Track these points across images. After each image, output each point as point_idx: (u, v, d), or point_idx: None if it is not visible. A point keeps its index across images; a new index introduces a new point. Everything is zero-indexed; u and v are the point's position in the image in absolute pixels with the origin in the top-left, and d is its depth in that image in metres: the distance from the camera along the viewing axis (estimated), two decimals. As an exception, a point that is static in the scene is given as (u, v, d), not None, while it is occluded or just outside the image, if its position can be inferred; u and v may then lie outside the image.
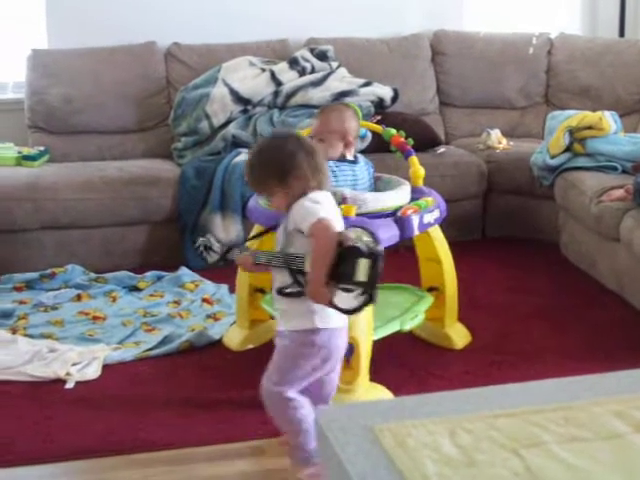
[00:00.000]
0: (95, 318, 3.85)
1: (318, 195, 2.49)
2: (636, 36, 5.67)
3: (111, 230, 4.51)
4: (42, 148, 4.86)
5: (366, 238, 2.39)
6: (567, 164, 4.51)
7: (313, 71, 5.09)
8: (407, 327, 3.28)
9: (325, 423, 1.30)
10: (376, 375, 3.10)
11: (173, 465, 2.77)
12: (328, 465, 1.27)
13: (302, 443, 2.58)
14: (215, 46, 5.24)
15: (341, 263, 2.37)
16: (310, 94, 4.96)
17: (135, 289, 4.21)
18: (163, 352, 3.51)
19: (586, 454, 1.22)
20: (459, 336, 3.57)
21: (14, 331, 3.69)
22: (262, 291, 3.44)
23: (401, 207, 3.17)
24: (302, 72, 5.06)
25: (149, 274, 4.28)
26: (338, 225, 2.47)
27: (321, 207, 2.44)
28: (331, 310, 2.45)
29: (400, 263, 3.71)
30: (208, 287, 4.15)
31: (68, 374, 3.29)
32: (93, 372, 3.33)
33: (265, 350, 2.90)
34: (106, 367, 3.37)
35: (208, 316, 3.86)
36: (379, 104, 4.96)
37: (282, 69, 5.04)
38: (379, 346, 3.13)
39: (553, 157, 4.54)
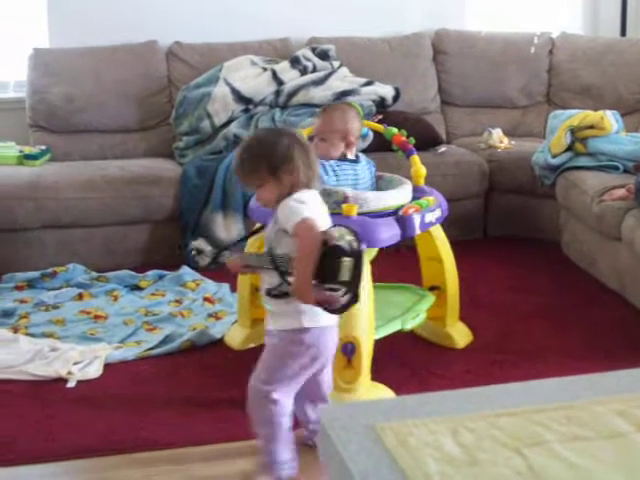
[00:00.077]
0: (96, 317, 3.86)
1: (303, 195, 2.47)
2: (637, 35, 5.67)
3: (112, 229, 4.52)
4: (43, 147, 4.86)
5: (349, 237, 2.38)
6: (568, 163, 4.52)
7: (315, 70, 5.09)
8: (408, 326, 3.28)
9: (327, 422, 1.30)
10: (377, 374, 3.10)
11: (174, 464, 2.77)
12: (330, 463, 1.27)
13: (272, 450, 2.58)
14: (217, 45, 5.24)
15: (325, 263, 2.37)
16: (312, 93, 4.96)
17: (136, 288, 4.21)
18: (164, 351, 3.51)
19: (588, 453, 1.22)
20: (460, 335, 3.57)
21: (15, 330, 3.69)
22: (263, 290, 3.44)
23: (403, 206, 3.16)
24: (303, 71, 5.06)
25: (150, 273, 4.28)
26: (323, 224, 2.45)
27: (306, 207, 2.42)
28: (319, 309, 2.44)
29: (401, 262, 3.71)
30: (209, 286, 4.15)
31: (69, 373, 3.29)
32: (94, 371, 3.33)
33: (266, 349, 2.90)
34: (107, 366, 3.37)
35: (209, 315, 3.87)
36: (380, 103, 4.96)
37: (284, 68, 5.04)
38: (380, 345, 3.13)
39: (555, 156, 4.54)
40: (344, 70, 5.16)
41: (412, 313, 3.32)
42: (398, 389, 3.07)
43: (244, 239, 3.01)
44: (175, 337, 3.60)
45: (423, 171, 3.46)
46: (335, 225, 2.48)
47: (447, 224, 3.49)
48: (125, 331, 3.71)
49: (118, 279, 4.24)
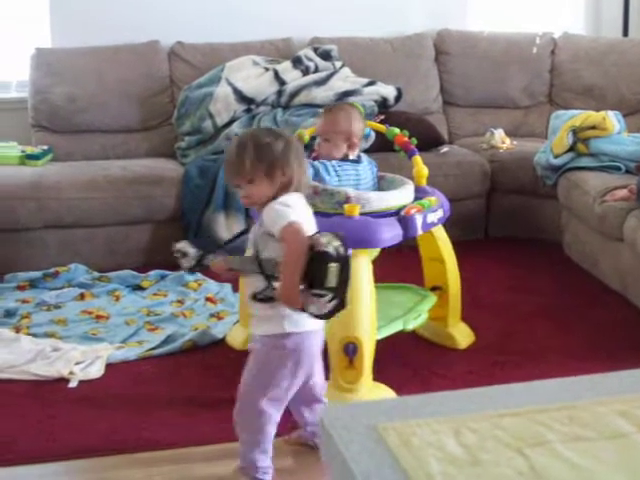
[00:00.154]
0: (98, 317, 3.86)
1: (289, 198, 2.44)
2: (640, 36, 5.68)
3: (115, 229, 4.52)
4: (46, 147, 4.86)
5: (336, 243, 2.34)
6: (570, 164, 4.51)
7: (317, 70, 5.09)
8: (410, 326, 3.28)
9: (329, 422, 1.30)
10: (379, 374, 3.10)
11: (176, 464, 2.77)
12: (332, 464, 1.27)
13: (253, 457, 2.57)
14: (219, 45, 5.24)
15: (312, 268, 2.34)
16: (314, 93, 4.96)
17: (138, 288, 4.21)
18: (166, 351, 3.51)
19: (590, 453, 1.22)
20: (462, 336, 3.57)
21: (17, 330, 3.69)
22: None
23: (405, 206, 3.16)
24: (306, 71, 5.06)
25: (152, 273, 4.28)
26: (309, 229, 2.42)
27: (292, 210, 2.39)
28: (304, 314, 2.40)
29: (403, 262, 3.71)
30: (211, 286, 4.16)
31: (71, 373, 3.29)
32: (96, 371, 3.33)
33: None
34: (109, 366, 3.38)
35: (211, 315, 3.87)
36: (383, 103, 4.96)
37: (286, 68, 5.05)
38: (382, 345, 3.13)
39: (556, 157, 4.54)
40: (346, 70, 5.16)
41: (414, 313, 3.32)
42: (400, 389, 3.08)
43: (229, 242, 2.98)
44: (177, 337, 3.60)
45: (425, 171, 3.46)
46: (321, 231, 2.45)
47: (449, 224, 3.49)
48: (127, 331, 3.71)
49: (120, 279, 4.24)
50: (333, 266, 2.32)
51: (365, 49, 5.37)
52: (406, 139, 3.49)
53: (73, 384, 3.25)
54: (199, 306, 3.97)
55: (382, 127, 3.61)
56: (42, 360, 3.38)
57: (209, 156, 4.78)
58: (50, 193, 4.41)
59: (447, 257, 3.48)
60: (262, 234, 2.44)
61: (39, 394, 3.20)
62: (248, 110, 4.95)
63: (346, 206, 3.00)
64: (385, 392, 3.06)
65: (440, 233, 3.46)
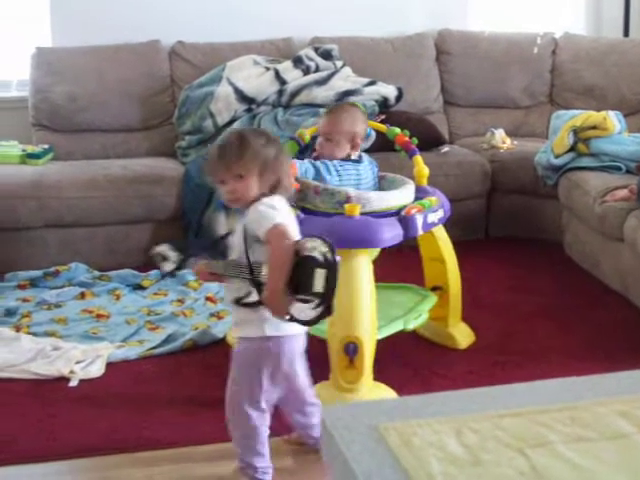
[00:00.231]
0: (99, 316, 3.86)
1: (273, 200, 2.41)
2: (640, 36, 5.68)
3: (115, 228, 4.52)
4: (46, 146, 4.86)
5: (323, 248, 2.30)
6: (571, 164, 4.51)
7: (317, 70, 5.09)
8: (411, 326, 3.28)
9: (330, 422, 1.30)
10: (379, 374, 3.10)
11: (177, 463, 2.77)
12: (333, 464, 1.27)
13: (248, 458, 2.57)
14: (219, 45, 5.24)
15: (298, 273, 2.29)
16: (314, 93, 4.96)
17: (139, 287, 4.21)
18: (167, 350, 3.51)
19: (591, 454, 1.22)
20: (463, 336, 3.57)
21: (18, 329, 3.69)
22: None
23: (405, 206, 3.16)
24: (306, 71, 5.06)
25: (153, 272, 4.28)
26: (294, 232, 2.39)
27: (278, 213, 2.36)
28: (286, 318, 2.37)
29: (404, 262, 3.71)
30: (212, 286, 4.15)
31: (72, 372, 3.30)
32: (97, 370, 3.33)
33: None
34: (110, 365, 3.38)
35: (212, 314, 3.87)
36: (383, 103, 4.96)
37: (286, 68, 5.05)
38: (383, 345, 3.13)
39: (557, 157, 4.54)
40: (347, 70, 5.16)
41: (414, 313, 3.32)
42: (400, 389, 3.07)
43: (214, 244, 2.93)
44: (177, 336, 3.60)
45: (426, 171, 3.46)
46: (317, 233, 2.41)
47: (449, 224, 3.49)
48: (127, 330, 3.71)
49: (120, 278, 4.25)
50: (319, 271, 2.28)
51: (366, 49, 5.37)
52: (407, 139, 3.49)
53: (73, 383, 3.25)
54: (199, 305, 3.97)
55: (383, 127, 3.61)
56: (42, 359, 3.38)
57: (210, 156, 4.78)
58: (51, 192, 4.41)
59: (447, 257, 3.48)
60: (246, 238, 2.40)
61: (39, 393, 3.20)
62: (249, 110, 4.96)
63: (347, 206, 3.00)
64: (385, 392, 3.06)
65: (441, 233, 3.46)
